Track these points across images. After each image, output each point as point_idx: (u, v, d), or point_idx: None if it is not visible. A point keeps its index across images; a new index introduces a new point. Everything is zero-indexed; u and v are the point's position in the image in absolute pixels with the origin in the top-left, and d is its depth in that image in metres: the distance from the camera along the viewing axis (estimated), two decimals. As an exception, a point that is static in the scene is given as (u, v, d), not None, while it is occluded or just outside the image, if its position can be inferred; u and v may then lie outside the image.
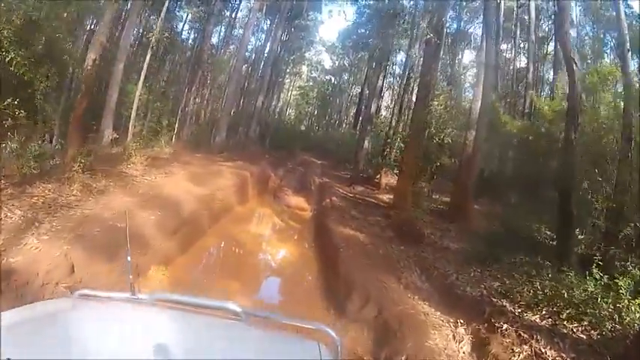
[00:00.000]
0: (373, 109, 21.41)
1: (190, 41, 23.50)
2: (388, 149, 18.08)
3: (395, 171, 17.86)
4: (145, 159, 12.02)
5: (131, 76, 18.47)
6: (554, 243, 8.08)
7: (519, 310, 5.64)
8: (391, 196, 14.61)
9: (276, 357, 1.33)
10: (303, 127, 42.15)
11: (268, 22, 29.66)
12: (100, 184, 8.78)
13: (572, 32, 13.35)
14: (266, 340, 1.44)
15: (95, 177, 8.99)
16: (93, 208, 7.26)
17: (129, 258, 1.88)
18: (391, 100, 32.49)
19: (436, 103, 13.77)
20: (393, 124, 20.68)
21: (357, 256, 8.05)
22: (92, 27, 15.46)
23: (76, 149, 9.10)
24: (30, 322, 1.29)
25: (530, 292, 6.03)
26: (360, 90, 35.53)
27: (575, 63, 8.06)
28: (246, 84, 27.28)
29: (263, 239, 10.69)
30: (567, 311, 5.30)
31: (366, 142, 20.58)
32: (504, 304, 5.89)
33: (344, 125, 40.52)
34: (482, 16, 16.49)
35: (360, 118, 27.07)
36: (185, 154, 17.93)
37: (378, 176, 17.53)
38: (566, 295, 5.52)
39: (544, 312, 5.47)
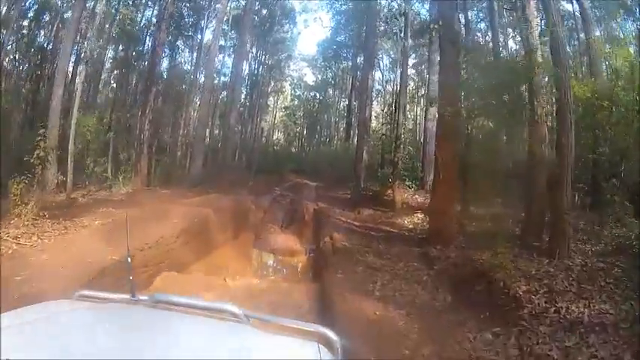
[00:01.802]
0: (366, 114, 16.73)
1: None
2: (395, 157, 13.43)
3: (408, 183, 13.21)
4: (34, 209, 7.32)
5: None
6: None
7: None
8: (417, 220, 9.94)
9: (276, 357, 1.23)
10: (293, 149, 38.02)
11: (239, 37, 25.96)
12: None
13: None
14: (265, 340, 1.31)
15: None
16: None
17: (129, 259, 1.83)
18: (384, 105, 29.04)
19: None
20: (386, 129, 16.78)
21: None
22: None
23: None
24: (30, 323, 1.23)
25: None
26: (347, 102, 32.10)
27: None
28: (224, 108, 22.66)
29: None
30: None
31: (365, 154, 16.30)
32: None
33: (335, 140, 36.53)
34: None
35: (355, 129, 22.89)
36: (145, 192, 13.91)
37: (390, 192, 12.82)
38: None
39: None
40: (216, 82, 22.96)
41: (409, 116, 22.67)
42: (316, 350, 1.25)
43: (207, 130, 23.19)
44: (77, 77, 13.69)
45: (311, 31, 57.32)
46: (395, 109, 16.21)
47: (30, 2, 15.78)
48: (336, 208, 12.54)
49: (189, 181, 16.82)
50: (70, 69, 15.00)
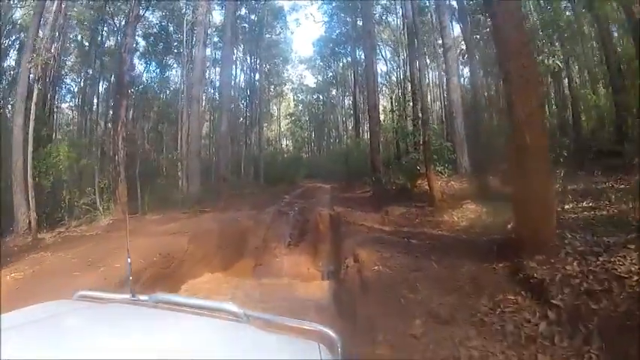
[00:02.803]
0: (375, 99, 13.66)
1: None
2: (423, 136, 10.37)
3: (439, 168, 10.13)
4: None
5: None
6: None
7: None
8: (470, 214, 6.93)
9: (276, 357, 1.19)
10: (303, 155, 35.61)
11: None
12: None
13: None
14: (266, 340, 1.26)
15: None
16: None
17: (129, 260, 1.73)
18: (393, 88, 26.47)
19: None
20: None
21: None
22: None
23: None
24: (30, 323, 1.19)
25: None
26: (352, 98, 29.78)
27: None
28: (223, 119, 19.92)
29: None
30: None
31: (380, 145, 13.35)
32: None
33: (345, 139, 34.04)
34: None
35: (366, 121, 20.19)
36: (130, 220, 11.65)
37: (420, 182, 9.75)
38: None
39: None
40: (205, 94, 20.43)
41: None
42: (317, 350, 1.20)
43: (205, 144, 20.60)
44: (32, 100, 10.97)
45: (304, 29, 53.89)
46: (411, 88, 13.05)
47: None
48: (358, 211, 9.53)
49: (187, 201, 14.18)
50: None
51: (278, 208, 11.42)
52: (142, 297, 1.47)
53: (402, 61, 25.27)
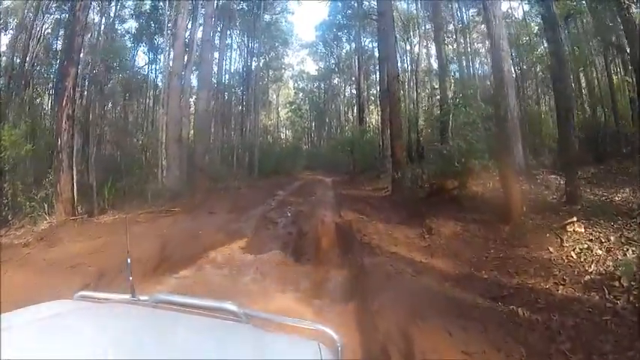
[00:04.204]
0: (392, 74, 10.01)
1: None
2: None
3: (483, 161, 6.79)
4: None
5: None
6: None
7: None
8: (600, 251, 3.54)
9: (276, 357, 1.12)
10: (303, 145, 32.51)
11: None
12: None
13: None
14: (266, 340, 1.20)
15: None
16: None
17: (129, 260, 1.64)
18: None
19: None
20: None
21: None
22: None
23: None
24: (30, 323, 1.15)
25: None
26: (357, 85, 26.72)
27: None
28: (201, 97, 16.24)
29: None
30: None
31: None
32: None
33: (346, 129, 31.09)
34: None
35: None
36: (67, 227, 8.15)
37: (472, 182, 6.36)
38: None
39: None
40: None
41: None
42: (317, 349, 1.15)
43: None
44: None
45: (306, 10, 48.64)
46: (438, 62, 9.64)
47: None
48: (377, 221, 6.23)
49: (160, 196, 10.95)
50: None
51: (266, 210, 8.06)
52: (142, 297, 1.40)
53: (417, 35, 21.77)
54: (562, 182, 7.32)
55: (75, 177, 9.93)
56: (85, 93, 13.60)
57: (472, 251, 4.57)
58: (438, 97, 10.18)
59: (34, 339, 1.05)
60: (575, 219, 5.10)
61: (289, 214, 7.36)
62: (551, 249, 4.57)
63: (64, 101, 9.70)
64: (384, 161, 12.84)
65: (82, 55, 11.54)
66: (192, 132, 17.40)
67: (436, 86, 11.34)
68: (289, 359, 1.11)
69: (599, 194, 6.19)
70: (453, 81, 9.52)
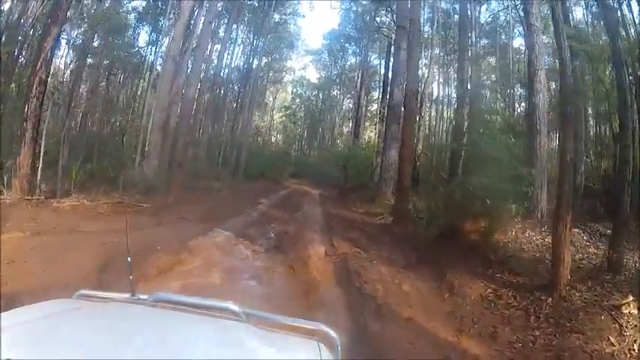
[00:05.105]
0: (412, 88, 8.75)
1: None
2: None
3: (513, 205, 5.62)
4: None
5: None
6: None
7: None
8: None
9: (276, 357, 1.11)
10: (292, 152, 31.50)
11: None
12: None
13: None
14: (266, 339, 1.17)
15: None
16: None
17: (129, 259, 1.55)
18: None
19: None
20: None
21: None
22: None
23: None
24: (30, 322, 1.11)
25: None
26: (357, 98, 26.02)
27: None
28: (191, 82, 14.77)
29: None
30: None
31: (394, 152, 8.87)
32: None
33: (338, 143, 30.27)
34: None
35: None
36: (25, 207, 7.10)
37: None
38: None
39: None
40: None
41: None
42: (316, 349, 1.13)
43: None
44: None
45: (317, 16, 47.14)
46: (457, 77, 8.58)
47: None
48: (380, 263, 4.94)
49: (134, 185, 9.63)
50: None
51: (245, 224, 6.71)
52: (142, 296, 1.36)
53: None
54: (584, 237, 6.29)
55: (42, 151, 8.53)
56: (72, 63, 12.20)
57: (512, 331, 3.33)
58: (452, 123, 9.02)
59: (34, 339, 1.01)
60: (631, 298, 3.98)
61: (272, 235, 6.00)
62: (612, 339, 3.41)
63: (39, 64, 8.24)
64: (379, 183, 11.63)
65: (69, 14, 10.17)
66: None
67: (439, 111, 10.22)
68: (289, 359, 1.09)
69: (629, 257, 5.09)
70: (468, 108, 8.38)
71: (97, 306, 1.33)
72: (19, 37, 10.79)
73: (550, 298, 3.86)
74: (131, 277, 1.43)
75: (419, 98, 8.98)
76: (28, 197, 7.57)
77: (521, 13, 9.10)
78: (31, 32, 11.09)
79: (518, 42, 13.28)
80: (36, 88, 8.17)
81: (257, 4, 21.29)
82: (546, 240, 5.97)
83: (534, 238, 5.95)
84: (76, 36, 13.97)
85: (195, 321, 1.23)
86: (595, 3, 6.89)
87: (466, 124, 8.27)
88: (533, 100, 6.63)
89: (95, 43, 14.39)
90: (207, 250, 4.81)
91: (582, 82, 6.69)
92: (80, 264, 3.80)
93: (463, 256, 4.97)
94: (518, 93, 15.33)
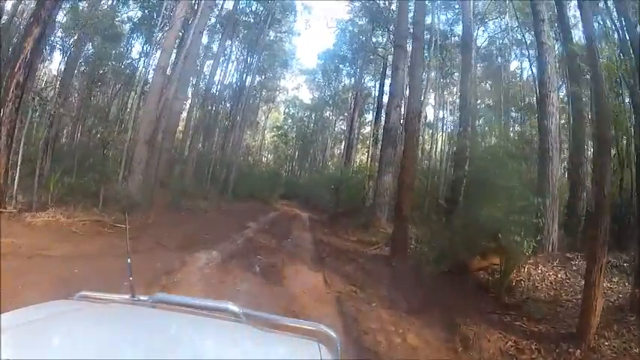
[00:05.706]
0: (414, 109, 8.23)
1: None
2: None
3: (518, 238, 4.99)
4: None
5: None
6: None
7: None
8: None
9: (276, 357, 1.14)
10: (283, 173, 31.01)
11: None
12: None
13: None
14: (266, 340, 1.17)
15: None
16: None
17: (129, 260, 1.51)
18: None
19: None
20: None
21: None
22: None
23: None
24: (30, 322, 1.07)
25: None
26: (350, 120, 25.93)
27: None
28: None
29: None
30: None
31: (390, 178, 8.27)
32: None
33: (329, 165, 29.84)
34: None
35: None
36: None
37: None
38: None
39: None
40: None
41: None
42: (316, 349, 1.11)
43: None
44: None
45: (312, 36, 47.19)
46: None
47: None
48: (380, 306, 4.28)
49: (113, 201, 8.96)
50: None
51: (230, 253, 6.02)
52: (143, 297, 1.36)
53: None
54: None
55: (19, 160, 7.79)
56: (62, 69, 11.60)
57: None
58: (453, 148, 8.53)
59: (33, 339, 1.00)
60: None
61: (257, 269, 5.30)
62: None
63: (17, 65, 7.56)
64: (373, 208, 11.03)
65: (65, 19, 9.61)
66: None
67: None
68: (289, 359, 1.09)
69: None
70: (470, 131, 7.92)
71: (98, 307, 1.31)
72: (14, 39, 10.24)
73: (578, 350, 3.26)
74: (131, 278, 1.41)
75: (420, 121, 8.49)
76: (1, 210, 6.84)
77: (521, 35, 8.81)
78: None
79: (515, 65, 13.11)
80: (12, 91, 7.46)
81: (252, 20, 21.04)
82: (559, 275, 5.41)
83: (547, 274, 5.37)
84: (70, 44, 13.46)
85: (195, 322, 1.22)
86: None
87: (468, 149, 7.75)
88: (544, 124, 6.17)
89: (89, 52, 13.95)
90: (180, 290, 4.11)
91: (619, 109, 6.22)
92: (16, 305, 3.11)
93: (473, 297, 4.34)
94: (514, 116, 15.10)
